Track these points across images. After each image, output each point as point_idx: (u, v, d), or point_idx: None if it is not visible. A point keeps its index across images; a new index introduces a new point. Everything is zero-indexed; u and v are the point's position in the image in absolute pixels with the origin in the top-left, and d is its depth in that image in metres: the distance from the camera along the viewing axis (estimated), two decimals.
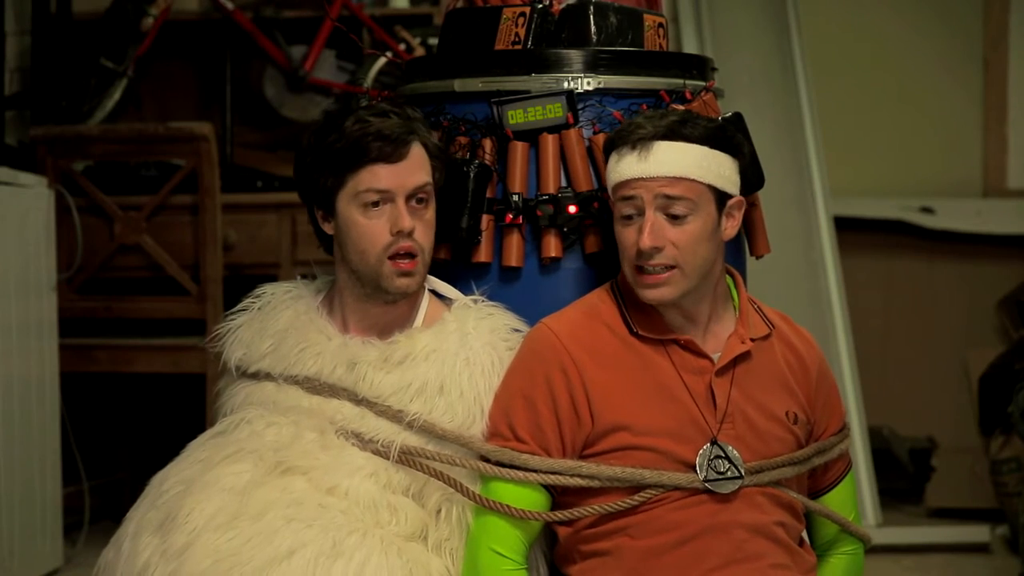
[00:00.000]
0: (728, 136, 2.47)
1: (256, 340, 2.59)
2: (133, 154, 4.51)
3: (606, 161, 2.48)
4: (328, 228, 2.54)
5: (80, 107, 4.83)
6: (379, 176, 2.46)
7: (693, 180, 2.40)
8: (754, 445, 2.43)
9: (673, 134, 2.40)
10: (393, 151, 2.46)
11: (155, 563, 2.35)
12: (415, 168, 2.49)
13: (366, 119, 2.47)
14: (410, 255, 2.49)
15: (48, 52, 4.88)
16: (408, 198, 2.48)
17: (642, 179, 2.40)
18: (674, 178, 2.40)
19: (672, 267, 2.40)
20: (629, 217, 2.42)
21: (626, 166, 2.41)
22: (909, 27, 5.72)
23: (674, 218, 2.40)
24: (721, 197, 2.44)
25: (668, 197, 2.39)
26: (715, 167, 2.42)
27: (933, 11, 5.71)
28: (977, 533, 4.58)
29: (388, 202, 2.48)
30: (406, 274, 2.49)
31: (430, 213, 2.52)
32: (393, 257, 2.48)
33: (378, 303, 2.54)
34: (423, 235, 2.50)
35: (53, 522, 4.08)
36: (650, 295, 2.42)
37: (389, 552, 2.35)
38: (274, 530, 2.33)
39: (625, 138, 2.42)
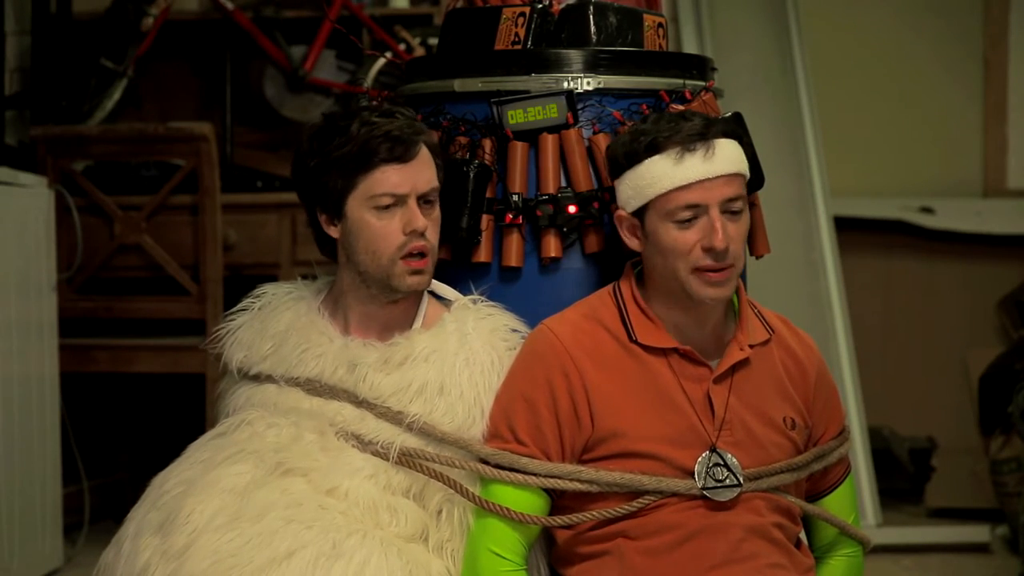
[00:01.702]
0: (740, 131, 2.49)
1: (257, 341, 2.59)
2: (133, 154, 4.52)
3: (627, 168, 2.44)
4: (333, 231, 2.53)
5: (80, 107, 4.84)
6: (392, 178, 2.46)
7: (744, 175, 2.43)
8: (752, 452, 2.43)
9: (722, 131, 2.41)
10: (404, 152, 2.46)
11: (155, 563, 2.35)
12: (424, 168, 2.49)
13: (372, 120, 2.47)
14: (422, 254, 2.49)
15: (48, 52, 4.88)
16: (419, 198, 2.49)
17: (708, 179, 2.38)
18: (733, 175, 2.41)
19: (732, 265, 2.40)
20: (687, 220, 2.39)
21: (690, 167, 2.38)
22: (909, 27, 5.72)
23: (733, 214, 2.40)
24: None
25: (733, 196, 2.40)
26: (746, 161, 2.45)
27: (933, 11, 5.71)
28: (977, 533, 4.58)
29: (401, 203, 2.48)
30: (418, 272, 2.50)
31: (437, 212, 2.53)
32: (406, 257, 2.48)
33: (381, 304, 2.54)
34: (433, 234, 2.51)
35: (53, 522, 4.08)
36: (715, 293, 2.40)
37: (389, 553, 2.35)
38: (274, 531, 2.33)
39: (672, 140, 2.38)
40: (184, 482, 2.44)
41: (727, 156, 2.40)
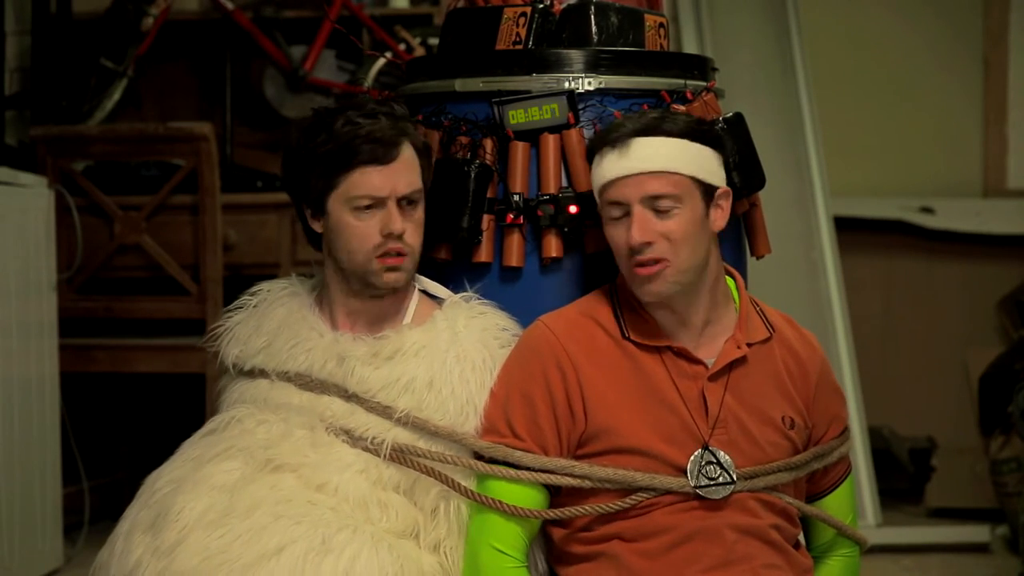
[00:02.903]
0: (706, 130, 2.47)
1: (252, 337, 2.60)
2: (133, 154, 4.51)
3: (589, 162, 2.49)
4: (317, 226, 2.55)
5: (80, 107, 4.83)
6: (371, 180, 2.47)
7: (675, 173, 2.41)
8: (748, 450, 2.43)
9: (651, 130, 2.41)
10: (384, 153, 2.47)
11: (146, 561, 2.36)
12: (405, 170, 2.50)
13: (355, 120, 2.47)
14: (399, 254, 2.50)
15: (48, 52, 4.88)
16: (399, 200, 2.49)
17: (626, 176, 2.40)
18: (656, 172, 2.40)
19: (663, 259, 2.39)
20: (617, 218, 2.42)
21: (608, 166, 2.42)
22: (909, 27, 5.71)
23: (661, 212, 2.40)
24: (707, 189, 2.44)
25: (654, 194, 2.39)
26: (696, 159, 2.43)
27: (933, 11, 5.71)
28: (977, 533, 4.58)
29: (380, 205, 2.48)
30: (393, 269, 2.50)
31: (419, 213, 2.53)
32: (382, 256, 2.49)
33: (365, 299, 2.55)
34: (413, 236, 2.51)
35: (53, 522, 4.08)
36: (647, 289, 2.41)
37: (380, 548, 2.35)
38: (263, 527, 2.33)
39: (604, 139, 2.44)
40: (175, 480, 2.45)
41: (649, 154, 2.40)
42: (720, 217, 2.46)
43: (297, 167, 2.53)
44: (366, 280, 2.52)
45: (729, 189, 2.49)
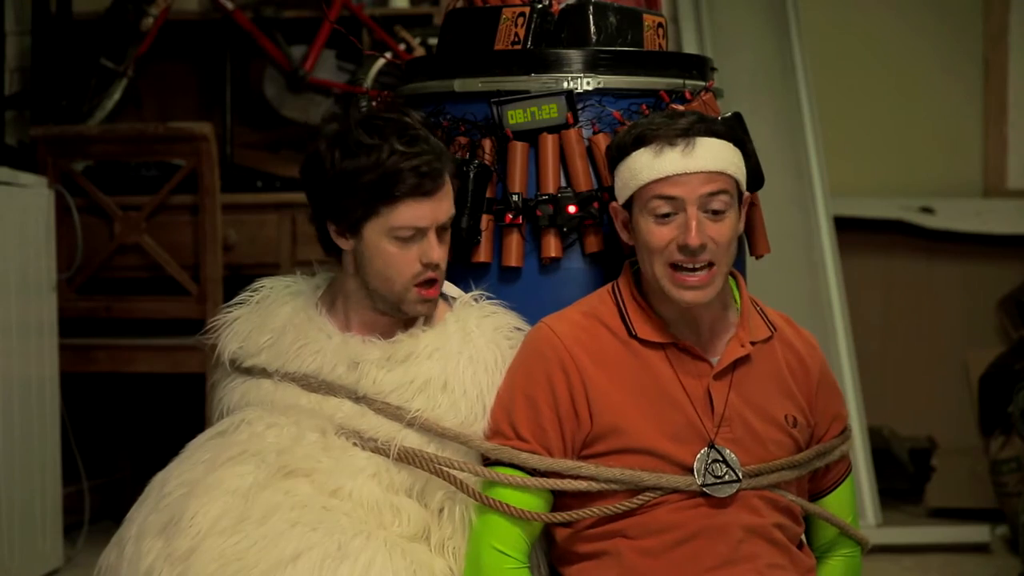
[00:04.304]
0: (740, 133, 2.49)
1: (254, 334, 2.58)
2: (133, 154, 4.51)
3: (619, 161, 2.46)
4: (344, 244, 2.51)
5: (80, 107, 4.84)
6: (416, 212, 2.44)
7: (730, 176, 2.41)
8: (752, 449, 2.43)
9: (707, 130, 2.41)
10: (431, 187, 2.45)
11: (160, 567, 2.34)
12: (445, 199, 2.48)
13: (400, 150, 2.42)
14: (434, 281, 2.49)
15: (48, 52, 4.88)
16: (438, 228, 2.49)
17: (686, 174, 2.39)
18: (716, 173, 2.40)
19: (712, 265, 2.40)
20: (665, 215, 2.40)
21: (668, 161, 2.39)
22: (909, 27, 5.71)
23: (714, 214, 2.40)
24: (739, 193, 2.45)
25: (711, 193, 2.39)
26: (738, 162, 2.44)
27: (933, 11, 5.71)
28: (977, 533, 4.58)
29: (420, 235, 2.47)
30: (428, 301, 2.50)
31: (448, 235, 2.52)
32: (419, 284, 2.48)
33: (387, 314, 2.54)
34: (444, 260, 2.51)
35: (53, 522, 4.08)
36: (690, 297, 2.40)
37: (393, 554, 2.35)
38: (279, 533, 2.33)
39: (657, 135, 2.40)
40: (186, 483, 2.43)
41: (710, 154, 2.40)
42: (742, 223, 2.48)
43: (328, 185, 2.47)
44: (398, 307, 2.51)
45: (750, 194, 2.50)
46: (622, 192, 2.46)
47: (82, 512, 4.31)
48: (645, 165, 2.41)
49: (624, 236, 2.49)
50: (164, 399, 4.96)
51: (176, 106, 5.25)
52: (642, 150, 2.41)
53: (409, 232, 2.45)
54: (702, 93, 2.67)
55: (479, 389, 2.47)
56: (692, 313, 2.45)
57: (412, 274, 2.47)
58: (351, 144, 2.45)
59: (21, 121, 4.94)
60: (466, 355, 2.49)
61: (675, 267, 2.40)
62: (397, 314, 2.52)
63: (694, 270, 2.39)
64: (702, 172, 2.39)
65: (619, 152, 2.45)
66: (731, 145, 2.44)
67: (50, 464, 4.06)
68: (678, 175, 2.39)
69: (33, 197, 4.04)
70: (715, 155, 2.40)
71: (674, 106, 2.63)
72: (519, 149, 2.62)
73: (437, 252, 2.47)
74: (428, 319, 2.55)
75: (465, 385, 2.47)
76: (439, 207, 2.47)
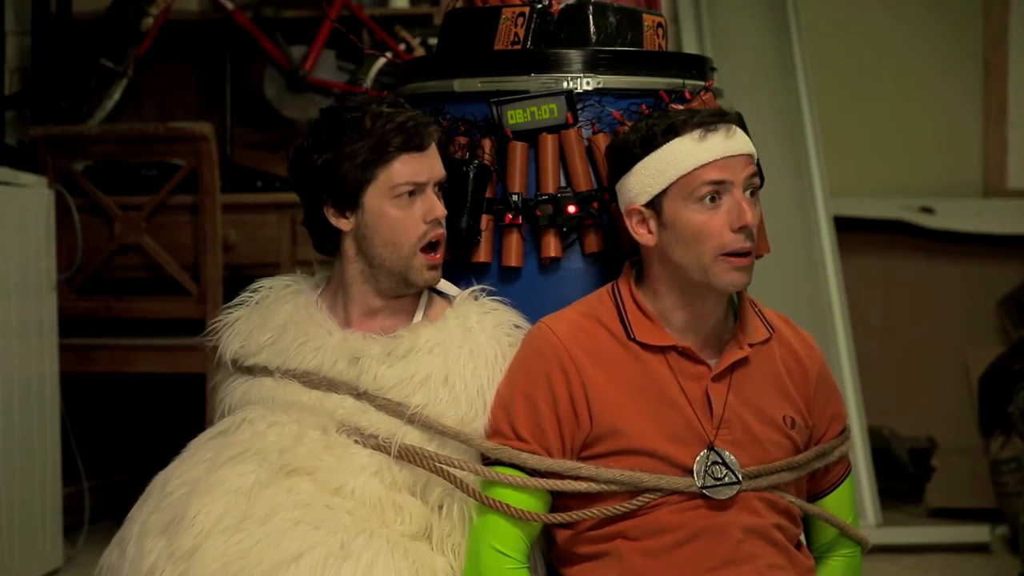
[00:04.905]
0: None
1: (255, 334, 2.59)
2: (133, 154, 4.52)
3: (639, 158, 2.43)
4: (344, 224, 2.52)
5: (80, 107, 4.84)
6: (412, 167, 2.49)
7: (758, 162, 2.44)
8: (752, 450, 2.43)
9: (733, 118, 2.44)
10: (421, 141, 2.49)
11: (162, 566, 2.34)
12: (437, 157, 2.53)
13: (384, 112, 2.49)
14: (438, 244, 2.52)
15: (48, 52, 4.88)
16: (435, 185, 2.52)
17: (732, 156, 2.39)
18: (750, 156, 2.43)
19: (752, 248, 2.41)
20: (712, 199, 2.39)
21: (715, 145, 2.39)
22: (909, 27, 5.72)
23: (753, 195, 2.42)
24: None
25: (752, 175, 2.41)
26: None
27: (933, 11, 5.71)
28: (977, 533, 4.58)
29: (420, 192, 2.50)
30: (434, 267, 2.53)
31: (442, 200, 2.55)
32: (425, 249, 2.50)
33: (387, 298, 2.54)
34: (444, 223, 2.54)
35: (53, 522, 4.08)
36: (739, 279, 2.40)
37: (396, 552, 2.35)
38: (282, 532, 2.33)
39: (694, 123, 2.40)
40: (188, 482, 2.43)
41: (744, 139, 2.43)
42: None
43: (318, 168, 2.50)
44: (405, 277, 2.52)
45: None
46: (648, 188, 2.42)
47: (82, 512, 4.31)
48: (688, 152, 2.39)
49: (646, 238, 2.45)
50: (164, 399, 4.96)
51: (176, 106, 5.26)
52: (680, 139, 2.40)
53: (410, 187, 2.49)
54: (702, 93, 2.67)
55: (479, 384, 2.48)
56: (704, 312, 2.45)
57: (418, 235, 2.50)
58: (334, 123, 2.50)
59: (21, 121, 4.94)
60: (467, 349, 2.50)
61: (728, 254, 2.39)
62: (404, 288, 2.53)
63: (745, 254, 2.39)
64: (743, 155, 2.41)
65: (646, 146, 2.42)
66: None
67: (50, 464, 4.06)
68: (725, 158, 2.39)
69: (33, 197, 4.04)
70: (747, 139, 2.43)
71: (674, 106, 2.62)
72: (519, 149, 2.63)
73: (440, 208, 2.50)
74: (428, 313, 2.55)
75: (466, 379, 2.48)
76: (433, 163, 2.51)
